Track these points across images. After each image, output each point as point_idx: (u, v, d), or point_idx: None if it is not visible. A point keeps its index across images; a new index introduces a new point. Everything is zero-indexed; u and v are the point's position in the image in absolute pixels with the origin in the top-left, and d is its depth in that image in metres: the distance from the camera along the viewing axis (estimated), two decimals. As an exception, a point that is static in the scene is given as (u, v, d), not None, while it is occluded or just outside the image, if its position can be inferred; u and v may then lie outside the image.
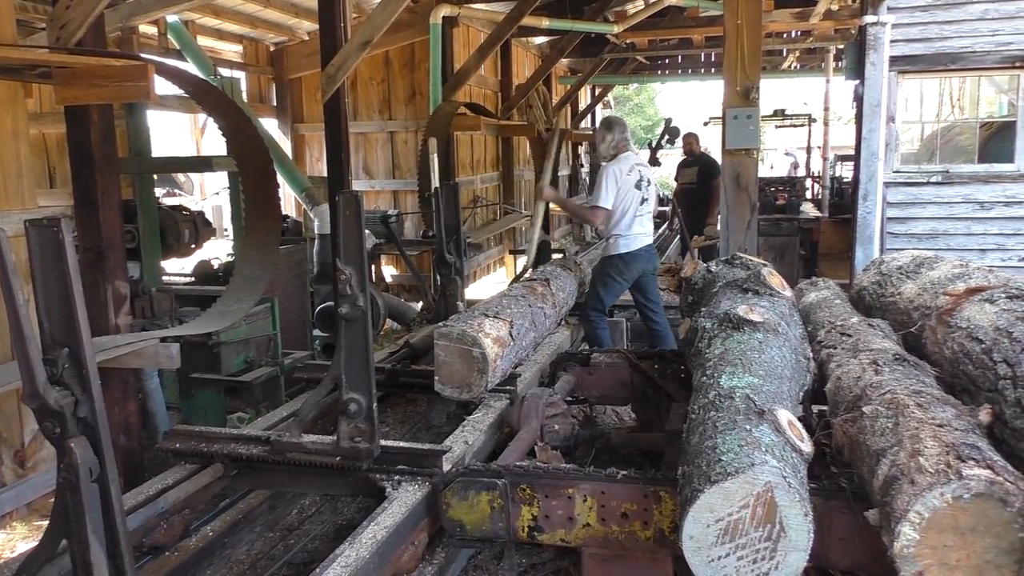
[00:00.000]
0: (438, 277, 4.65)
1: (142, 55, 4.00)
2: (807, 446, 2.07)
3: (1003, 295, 2.37)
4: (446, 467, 2.61)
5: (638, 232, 5.20)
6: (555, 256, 6.37)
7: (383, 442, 2.61)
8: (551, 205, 6.53)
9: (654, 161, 10.42)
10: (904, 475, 1.76)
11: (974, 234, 6.45)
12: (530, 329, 3.79)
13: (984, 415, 2.03)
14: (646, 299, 5.41)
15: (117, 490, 1.55)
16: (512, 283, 5.30)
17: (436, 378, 3.29)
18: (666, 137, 11.67)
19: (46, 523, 4.02)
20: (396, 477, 2.61)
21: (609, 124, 5.39)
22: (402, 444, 2.73)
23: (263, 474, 2.84)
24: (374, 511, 2.39)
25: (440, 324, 3.36)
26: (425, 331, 4.52)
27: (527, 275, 5.25)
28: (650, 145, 11.24)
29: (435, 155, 4.94)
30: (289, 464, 2.71)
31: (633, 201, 5.16)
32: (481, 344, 3.19)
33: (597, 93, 16.95)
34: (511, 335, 3.48)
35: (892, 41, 6.18)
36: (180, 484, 2.75)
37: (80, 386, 1.46)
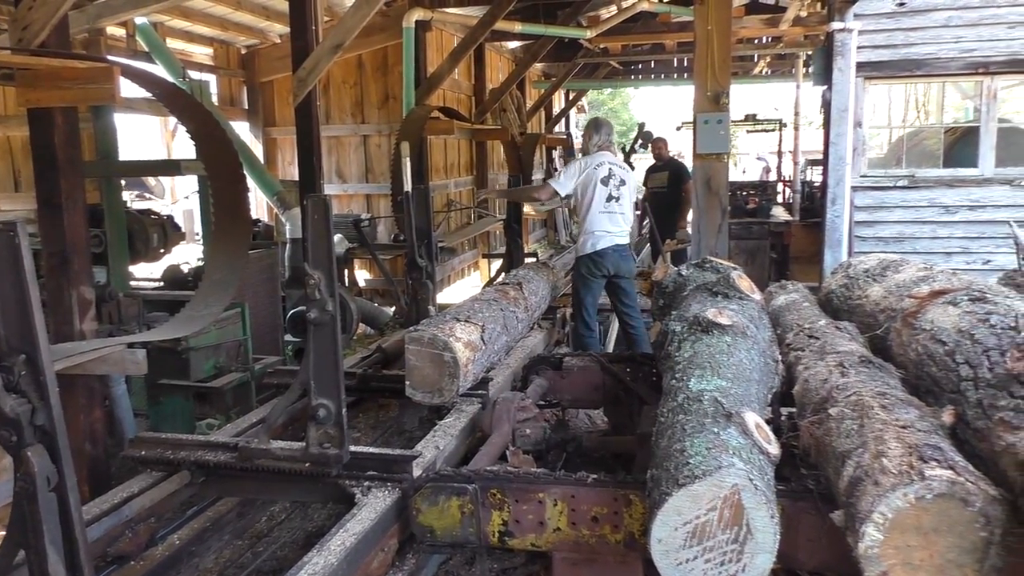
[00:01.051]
0: (409, 281, 4.63)
1: (108, 57, 3.95)
2: (774, 448, 2.09)
3: (966, 297, 2.40)
4: (417, 472, 2.59)
5: (604, 230, 5.24)
6: (528, 260, 6.37)
7: (353, 448, 2.58)
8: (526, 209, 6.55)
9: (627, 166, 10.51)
10: (868, 476, 1.78)
11: (939, 237, 6.56)
12: (502, 333, 3.77)
13: (947, 416, 2.05)
14: (622, 302, 5.46)
15: (76, 499, 1.52)
16: (485, 287, 5.33)
17: (407, 383, 3.25)
18: (639, 142, 11.76)
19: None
20: (366, 483, 2.58)
21: (597, 125, 5.54)
22: (372, 450, 2.71)
23: (231, 481, 2.80)
24: (343, 517, 2.37)
25: (411, 328, 3.33)
26: (397, 335, 4.50)
27: (499, 279, 5.27)
28: (623, 149, 11.31)
29: (407, 159, 4.91)
30: (257, 471, 2.68)
31: (598, 197, 5.20)
32: (452, 348, 3.16)
33: (571, 97, 17.01)
34: (483, 339, 3.46)
35: (859, 47, 6.28)
36: (146, 492, 2.71)
37: (37, 393, 1.44)
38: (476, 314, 3.59)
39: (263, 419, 3.29)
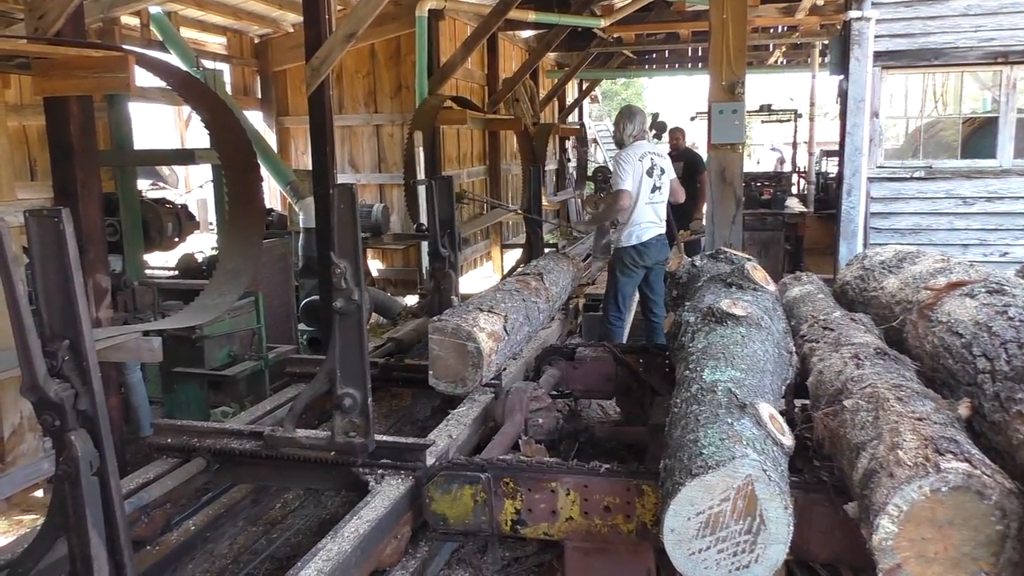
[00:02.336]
0: (428, 270, 4.58)
1: (123, 46, 3.96)
2: (788, 439, 2.08)
3: (983, 289, 2.38)
4: (430, 461, 2.59)
5: (649, 221, 5.27)
6: (547, 250, 6.37)
7: (367, 436, 2.58)
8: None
9: None
10: (883, 468, 1.77)
11: (956, 229, 6.50)
12: (524, 323, 3.74)
13: (963, 409, 2.04)
14: (650, 290, 5.47)
15: (117, 483, 1.52)
16: (505, 277, 5.32)
17: (430, 372, 3.23)
18: (653, 132, 11.68)
19: (26, 518, 3.99)
20: (379, 471, 2.58)
21: (631, 114, 5.49)
22: (386, 438, 2.70)
23: (245, 468, 2.81)
24: (356, 505, 2.38)
25: (434, 318, 3.30)
26: (410, 325, 4.51)
27: (520, 269, 5.25)
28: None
29: (420, 148, 4.91)
30: (273, 458, 2.68)
31: (643, 189, 5.21)
32: (476, 339, 3.14)
33: (584, 87, 16.94)
34: (505, 330, 3.43)
35: (876, 36, 6.21)
36: (161, 478, 2.72)
37: (80, 379, 1.44)
38: (499, 304, 3.55)
39: (277, 407, 3.32)
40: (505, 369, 3.58)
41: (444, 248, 4.25)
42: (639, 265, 5.30)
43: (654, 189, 5.26)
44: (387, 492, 2.45)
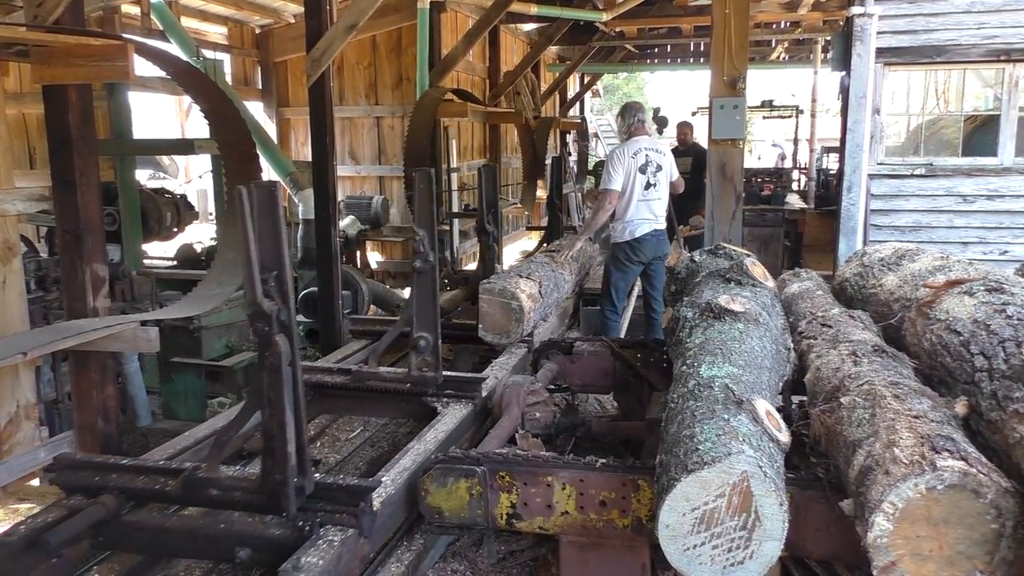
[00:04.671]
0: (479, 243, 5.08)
1: (123, 35, 3.94)
2: (784, 436, 2.08)
3: (982, 288, 2.37)
4: (483, 393, 3.16)
5: (643, 218, 5.26)
6: (566, 233, 6.50)
7: (430, 373, 3.14)
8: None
9: None
10: (879, 466, 1.77)
11: (956, 227, 6.49)
12: (553, 290, 4.42)
13: (960, 407, 2.04)
14: (650, 286, 5.47)
15: (300, 374, 2.01)
16: (533, 252, 5.64)
17: (480, 326, 3.85)
18: (654, 127, 11.66)
19: (23, 506, 3.99)
20: (445, 399, 3.12)
21: (624, 109, 5.57)
22: (450, 373, 3.24)
23: (333, 399, 3.34)
24: (432, 420, 2.95)
25: (484, 281, 3.95)
26: (447, 295, 5.14)
27: (545, 247, 5.69)
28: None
29: (453, 141, 5.12)
30: (359, 390, 3.22)
31: (636, 185, 5.20)
32: (519, 298, 3.80)
33: (586, 81, 16.88)
34: (540, 293, 4.12)
35: (879, 33, 6.20)
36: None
37: (282, 299, 1.93)
38: (534, 272, 4.29)
39: (348, 356, 3.94)
40: (537, 327, 4.21)
41: (489, 224, 4.78)
42: (634, 261, 5.30)
43: (648, 186, 5.23)
44: (453, 413, 3.02)
